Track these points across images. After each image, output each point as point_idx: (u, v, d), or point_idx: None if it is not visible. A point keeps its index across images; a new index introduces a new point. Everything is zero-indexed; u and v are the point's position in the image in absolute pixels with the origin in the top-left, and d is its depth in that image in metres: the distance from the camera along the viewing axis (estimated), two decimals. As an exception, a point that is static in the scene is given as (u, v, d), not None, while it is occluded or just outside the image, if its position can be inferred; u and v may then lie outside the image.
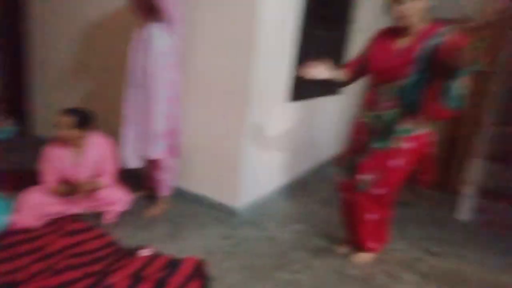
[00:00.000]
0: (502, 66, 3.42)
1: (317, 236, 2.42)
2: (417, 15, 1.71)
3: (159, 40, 2.19)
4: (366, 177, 1.94)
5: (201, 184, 2.67)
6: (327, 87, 3.52)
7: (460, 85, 1.69)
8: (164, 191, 2.55)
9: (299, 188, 3.17)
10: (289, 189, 3.09)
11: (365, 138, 1.97)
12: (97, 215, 2.33)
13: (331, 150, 3.87)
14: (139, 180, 2.73)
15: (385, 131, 1.87)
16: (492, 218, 2.81)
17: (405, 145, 1.84)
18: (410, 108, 1.81)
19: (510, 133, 3.11)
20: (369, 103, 1.95)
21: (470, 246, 2.45)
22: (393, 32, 1.85)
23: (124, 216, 2.38)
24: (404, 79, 1.77)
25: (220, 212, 2.57)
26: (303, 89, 3.09)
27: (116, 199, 2.35)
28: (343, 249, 2.24)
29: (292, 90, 2.86)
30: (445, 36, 1.67)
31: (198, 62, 2.51)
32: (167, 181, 2.53)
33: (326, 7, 3.13)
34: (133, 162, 2.38)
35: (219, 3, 2.36)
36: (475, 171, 3.02)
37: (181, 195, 2.72)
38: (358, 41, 3.66)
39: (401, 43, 1.81)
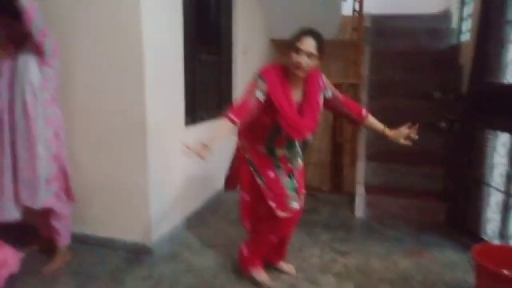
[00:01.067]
0: (364, 78, 4.01)
1: (236, 257, 2.41)
2: (309, 69, 1.80)
3: (33, 74, 1.96)
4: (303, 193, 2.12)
5: (106, 226, 2.44)
6: (220, 108, 3.62)
7: None
8: (63, 241, 2.25)
9: (211, 211, 3.14)
10: (201, 214, 3.03)
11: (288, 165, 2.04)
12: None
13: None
14: (28, 233, 2.36)
15: (297, 154, 2.07)
16: (379, 211, 3.21)
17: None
18: None
19: (383, 135, 3.63)
20: (279, 144, 1.97)
21: (370, 240, 2.75)
22: (284, 73, 1.84)
23: (17, 278, 2.01)
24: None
25: (132, 253, 2.37)
26: (199, 112, 3.12)
27: (2, 260, 1.97)
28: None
29: (188, 114, 2.85)
30: (331, 89, 1.96)
31: (83, 96, 2.34)
32: (64, 230, 2.24)
33: (205, 31, 3.25)
34: (14, 214, 2.04)
35: (99, 31, 2.23)
36: (361, 172, 3.43)
37: (84, 242, 2.44)
38: (240, 63, 3.86)
39: (295, 94, 1.87)
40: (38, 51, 1.96)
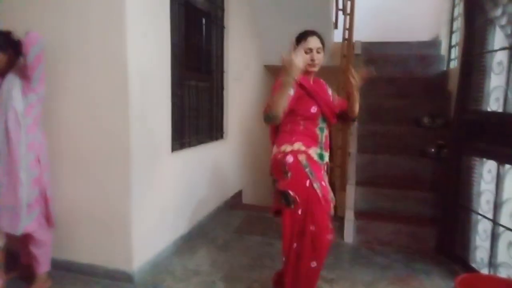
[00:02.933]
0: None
1: (220, 285, 2.37)
2: (320, 63, 1.98)
3: (16, 101, 1.99)
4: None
5: (87, 252, 2.41)
6: (210, 133, 3.64)
7: None
8: (42, 267, 2.22)
9: (197, 236, 3.11)
10: (187, 239, 3.00)
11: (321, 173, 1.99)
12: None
13: (224, 194, 3.93)
14: (8, 259, 2.33)
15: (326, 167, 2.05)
16: (369, 237, 3.17)
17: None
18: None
19: (373, 160, 3.64)
20: (311, 141, 1.97)
21: (357, 267, 2.70)
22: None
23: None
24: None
25: (114, 280, 2.33)
26: (188, 137, 3.14)
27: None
28: None
29: (176, 140, 2.87)
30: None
31: (67, 122, 2.36)
32: (43, 256, 2.22)
33: (196, 59, 3.32)
34: None
35: (84, 57, 2.27)
36: (350, 197, 3.41)
37: (66, 269, 2.41)
38: (232, 89, 3.91)
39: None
40: (26, 77, 2.00)
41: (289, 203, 1.88)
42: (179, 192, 2.93)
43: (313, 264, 1.90)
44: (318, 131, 1.99)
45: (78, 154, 2.36)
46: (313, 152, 1.96)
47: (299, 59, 1.69)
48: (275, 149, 2.02)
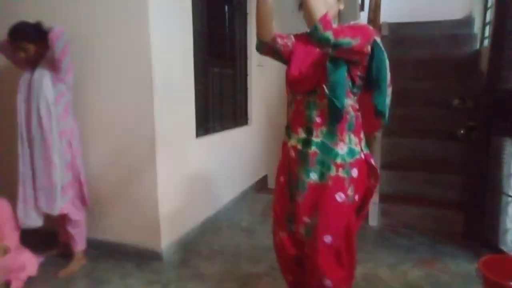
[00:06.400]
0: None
1: (244, 264, 2.45)
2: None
3: (47, 90, 2.12)
4: (307, 219, 1.51)
5: (120, 232, 2.55)
6: (235, 119, 3.70)
7: (389, 94, 1.56)
8: (78, 246, 2.39)
9: (223, 219, 3.21)
10: (213, 221, 3.10)
11: (296, 170, 1.54)
12: (3, 286, 2.08)
13: (250, 179, 4.00)
14: (49, 238, 2.52)
15: (320, 157, 1.48)
16: (393, 220, 3.15)
17: (352, 172, 1.49)
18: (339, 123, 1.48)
19: (399, 144, 3.58)
20: (294, 122, 1.56)
21: (381, 249, 2.71)
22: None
23: (36, 281, 2.16)
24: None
25: (144, 258, 2.47)
26: (212, 123, 3.21)
27: (21, 264, 2.12)
28: None
29: (200, 126, 2.94)
30: None
31: (96, 110, 2.47)
32: (79, 235, 2.38)
33: (219, 46, 3.36)
34: (35, 221, 2.20)
35: (110, 47, 2.37)
36: (377, 180, 3.38)
37: (99, 247, 2.56)
38: (255, 75, 3.92)
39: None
40: (55, 68, 2.13)
41: None
42: (205, 176, 3.02)
43: None
44: None
45: (108, 140, 2.48)
46: None
47: None
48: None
